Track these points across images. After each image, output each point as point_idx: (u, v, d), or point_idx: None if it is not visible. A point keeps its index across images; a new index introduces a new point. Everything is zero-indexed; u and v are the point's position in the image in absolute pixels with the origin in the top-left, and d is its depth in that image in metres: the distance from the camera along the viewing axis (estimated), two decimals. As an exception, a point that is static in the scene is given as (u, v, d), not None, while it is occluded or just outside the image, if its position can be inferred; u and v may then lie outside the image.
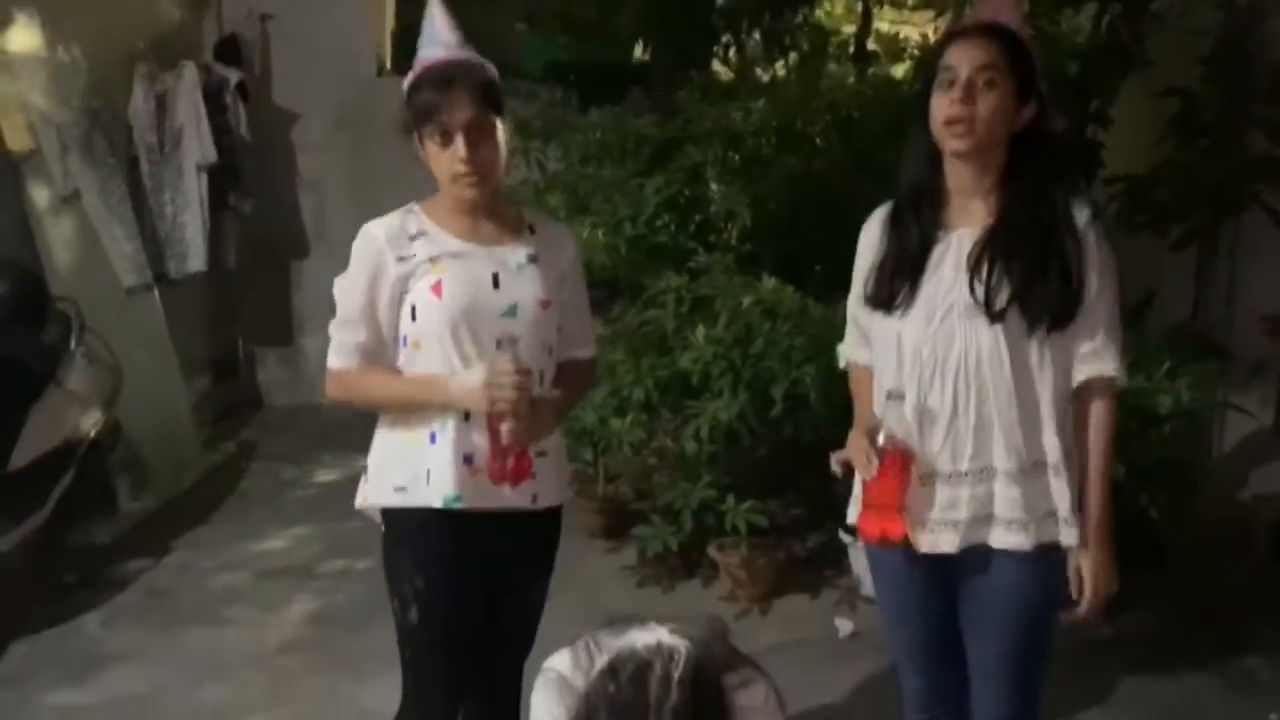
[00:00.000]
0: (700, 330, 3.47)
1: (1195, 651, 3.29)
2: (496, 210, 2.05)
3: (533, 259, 2.03)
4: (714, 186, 3.90)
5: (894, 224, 1.93)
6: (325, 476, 4.88)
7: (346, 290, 2.01)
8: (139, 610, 3.72)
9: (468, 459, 1.96)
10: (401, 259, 1.97)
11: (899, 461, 1.81)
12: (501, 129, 1.97)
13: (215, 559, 4.12)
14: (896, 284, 1.87)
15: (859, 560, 3.69)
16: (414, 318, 1.97)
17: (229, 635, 3.54)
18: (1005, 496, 1.81)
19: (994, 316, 1.79)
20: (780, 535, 3.97)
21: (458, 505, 1.95)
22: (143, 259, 4.86)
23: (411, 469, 1.98)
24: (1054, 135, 1.97)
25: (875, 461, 1.80)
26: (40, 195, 4.42)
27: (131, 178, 5.00)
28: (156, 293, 4.93)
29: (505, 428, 1.91)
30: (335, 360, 2.02)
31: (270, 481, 5.01)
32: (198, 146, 5.14)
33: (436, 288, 1.95)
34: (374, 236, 1.99)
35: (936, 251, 1.85)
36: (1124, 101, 3.55)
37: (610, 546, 4.09)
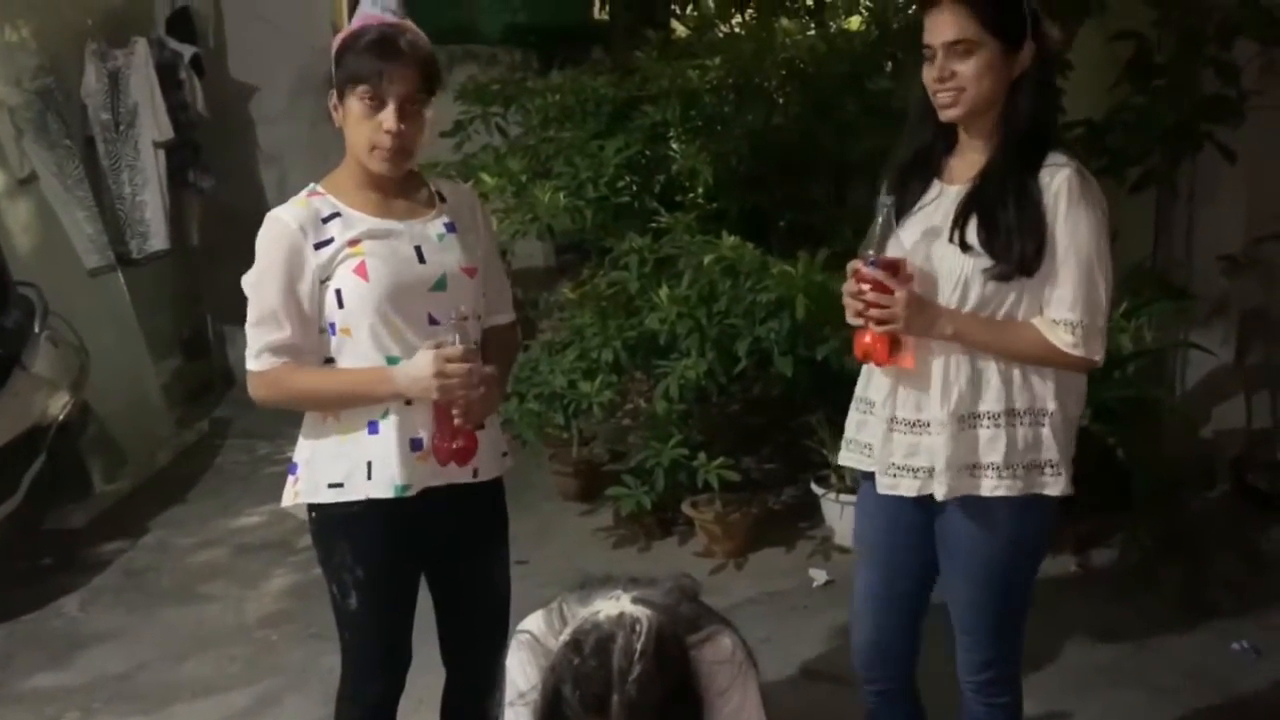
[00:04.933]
0: (664, 290, 3.48)
1: (1160, 585, 3.37)
2: (408, 184, 1.99)
3: (450, 227, 1.99)
4: (674, 146, 3.89)
5: (900, 178, 1.94)
6: (299, 451, 4.89)
7: (259, 285, 1.90)
8: (118, 590, 3.72)
9: (415, 444, 1.92)
10: (319, 245, 1.89)
11: (889, 269, 1.81)
12: (430, 110, 1.91)
13: (192, 537, 4.13)
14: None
15: (832, 510, 3.75)
16: (340, 304, 1.90)
17: (209, 611, 3.55)
18: (991, 444, 1.84)
19: (963, 265, 1.82)
20: (753, 490, 4.02)
21: (407, 494, 1.91)
22: (104, 240, 4.81)
23: (348, 463, 1.92)
24: (1054, 60, 1.96)
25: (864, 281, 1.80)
26: (-4, 179, 4.36)
27: (88, 158, 4.93)
28: (120, 273, 4.89)
29: (457, 411, 1.87)
30: (257, 363, 1.90)
31: (245, 458, 5.01)
32: (154, 124, 5.06)
33: (361, 270, 1.88)
34: (285, 224, 1.89)
35: (934, 203, 1.88)
36: (1080, 47, 3.56)
37: (586, 509, 4.13)
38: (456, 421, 1.89)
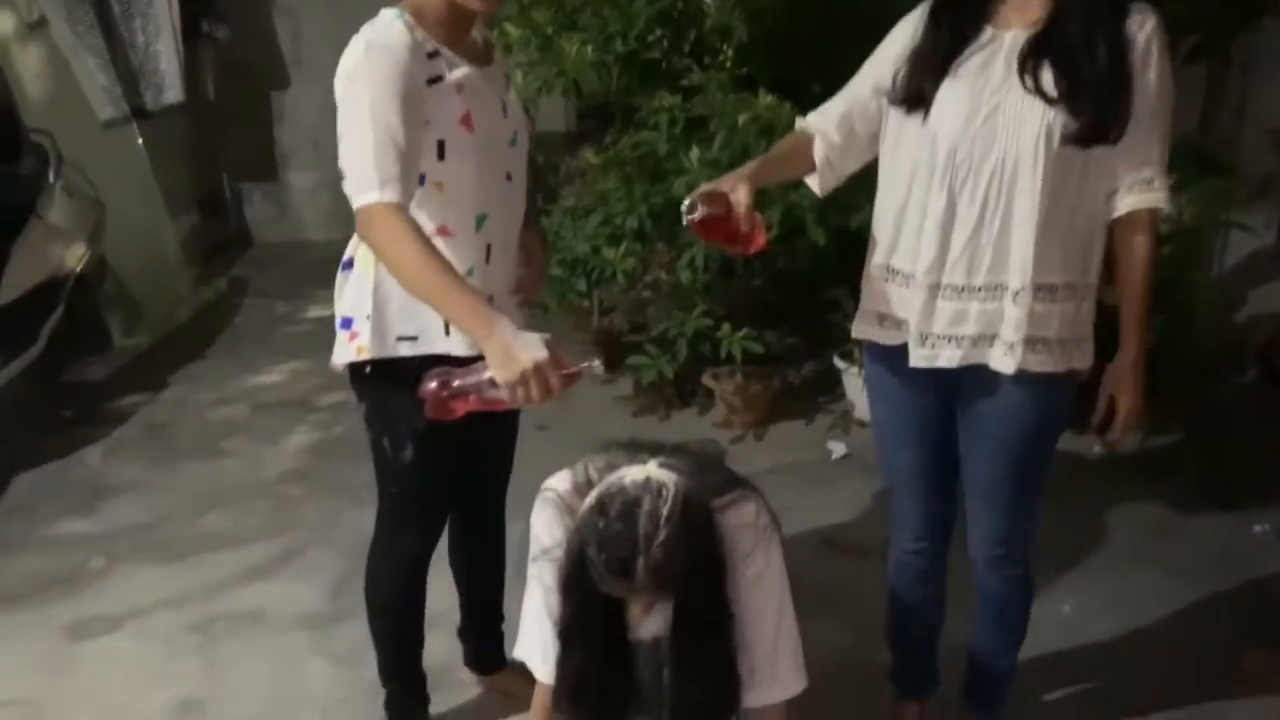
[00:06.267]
0: (695, 152, 3.36)
1: (1183, 470, 3.34)
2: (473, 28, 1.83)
3: (508, 79, 1.90)
4: (708, 0, 3.70)
5: (934, 19, 1.79)
6: (317, 312, 4.88)
7: (373, 111, 1.64)
8: (139, 443, 3.75)
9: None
10: (431, 81, 1.69)
11: (711, 226, 1.77)
12: None
13: (212, 393, 4.14)
14: (926, 81, 1.75)
15: (853, 385, 3.71)
16: (441, 155, 1.74)
17: (229, 466, 3.58)
18: (1014, 317, 1.76)
19: (1041, 119, 1.67)
20: (774, 364, 3.98)
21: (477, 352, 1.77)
22: (118, 91, 4.70)
23: (424, 317, 1.82)
24: None
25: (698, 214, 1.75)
26: (4, 22, 4.23)
27: (100, 5, 4.77)
28: (135, 126, 4.79)
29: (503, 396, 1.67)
30: (379, 193, 1.64)
31: (263, 317, 5.01)
32: (165, -31, 4.90)
33: (467, 120, 1.74)
34: (396, 51, 1.66)
35: (988, 50, 1.72)
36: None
37: (606, 379, 4.11)
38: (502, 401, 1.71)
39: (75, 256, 3.85)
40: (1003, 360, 1.78)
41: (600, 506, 1.60)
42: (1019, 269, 1.73)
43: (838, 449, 3.57)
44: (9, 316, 3.52)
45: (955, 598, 2.16)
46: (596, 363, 1.72)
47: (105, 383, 4.15)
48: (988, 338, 1.79)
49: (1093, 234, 1.76)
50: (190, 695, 2.44)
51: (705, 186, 1.78)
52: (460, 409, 1.69)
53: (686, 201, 1.76)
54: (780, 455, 3.56)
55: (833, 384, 3.93)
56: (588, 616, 1.69)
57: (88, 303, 4.03)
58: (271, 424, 3.87)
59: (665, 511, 1.56)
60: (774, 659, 1.79)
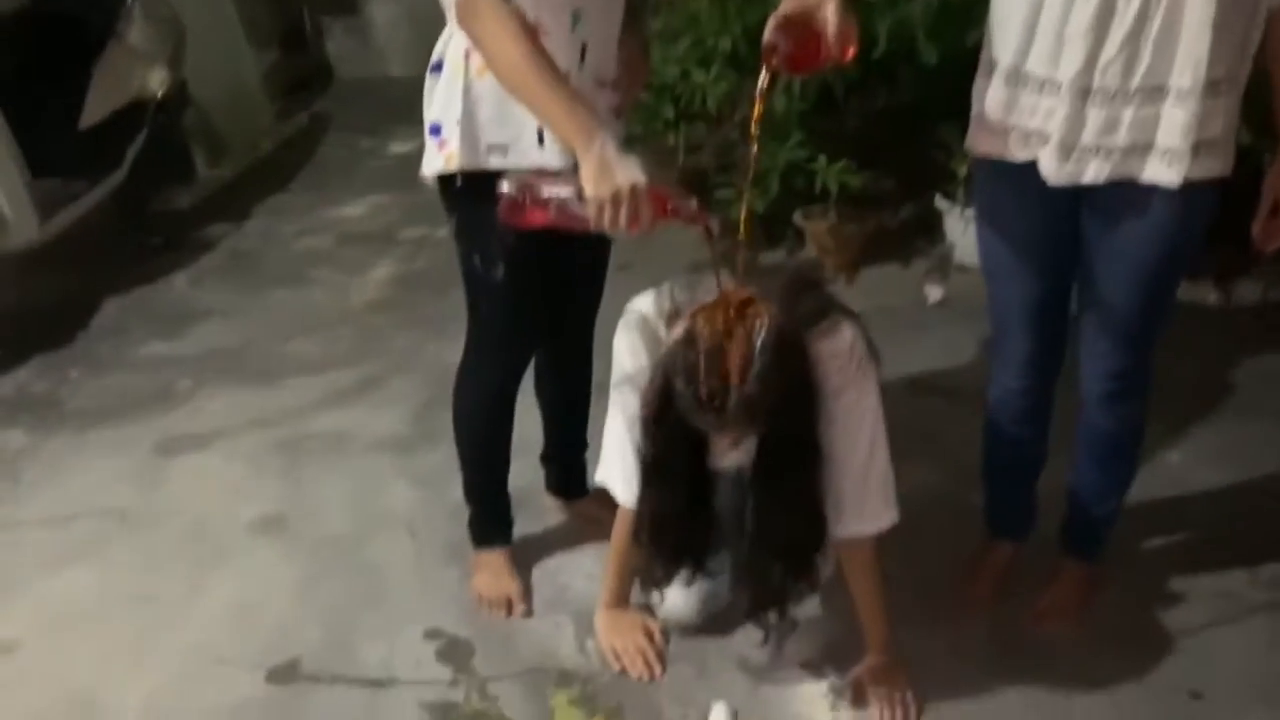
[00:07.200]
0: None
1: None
2: None
3: None
4: None
5: None
6: (400, 148, 4.81)
7: None
8: (225, 271, 3.77)
9: None
10: None
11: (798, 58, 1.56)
12: None
13: (296, 224, 4.13)
14: None
15: (955, 226, 3.53)
16: None
17: (314, 295, 3.57)
18: (1172, 121, 1.57)
19: None
20: (870, 205, 3.80)
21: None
22: (196, -86, 4.55)
23: (515, 125, 1.72)
24: None
25: None
26: None
27: None
28: (213, -46, 4.66)
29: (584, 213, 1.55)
30: None
31: (346, 152, 4.96)
32: None
33: None
34: None
35: None
36: None
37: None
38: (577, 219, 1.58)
39: (157, 80, 3.79)
40: (1163, 171, 1.61)
41: (689, 338, 1.51)
42: (1188, 66, 1.54)
43: (934, 293, 3.42)
44: (93, 140, 3.51)
45: (1055, 438, 2.05)
46: (713, 221, 1.61)
47: (191, 212, 4.16)
48: (1141, 147, 1.61)
49: (1257, 10, 1.56)
50: (275, 511, 2.47)
51: (784, 7, 1.54)
52: (538, 219, 1.58)
53: (767, 35, 1.53)
54: (873, 299, 3.41)
55: (931, 227, 3.75)
56: (672, 452, 1.64)
57: (171, 130, 4.00)
58: (355, 255, 3.84)
59: (759, 343, 1.47)
60: (863, 491, 1.72)
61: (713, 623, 2.02)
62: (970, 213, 3.34)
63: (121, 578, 2.26)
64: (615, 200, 1.49)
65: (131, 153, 3.65)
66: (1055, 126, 1.64)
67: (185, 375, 3.06)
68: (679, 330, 1.55)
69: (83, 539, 2.38)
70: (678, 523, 1.74)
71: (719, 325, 1.50)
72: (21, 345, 3.21)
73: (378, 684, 1.96)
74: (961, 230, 3.46)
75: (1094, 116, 1.61)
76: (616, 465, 1.80)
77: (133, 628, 2.12)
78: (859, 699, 1.88)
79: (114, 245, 3.83)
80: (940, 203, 3.58)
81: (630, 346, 1.72)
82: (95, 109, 3.48)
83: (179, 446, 2.73)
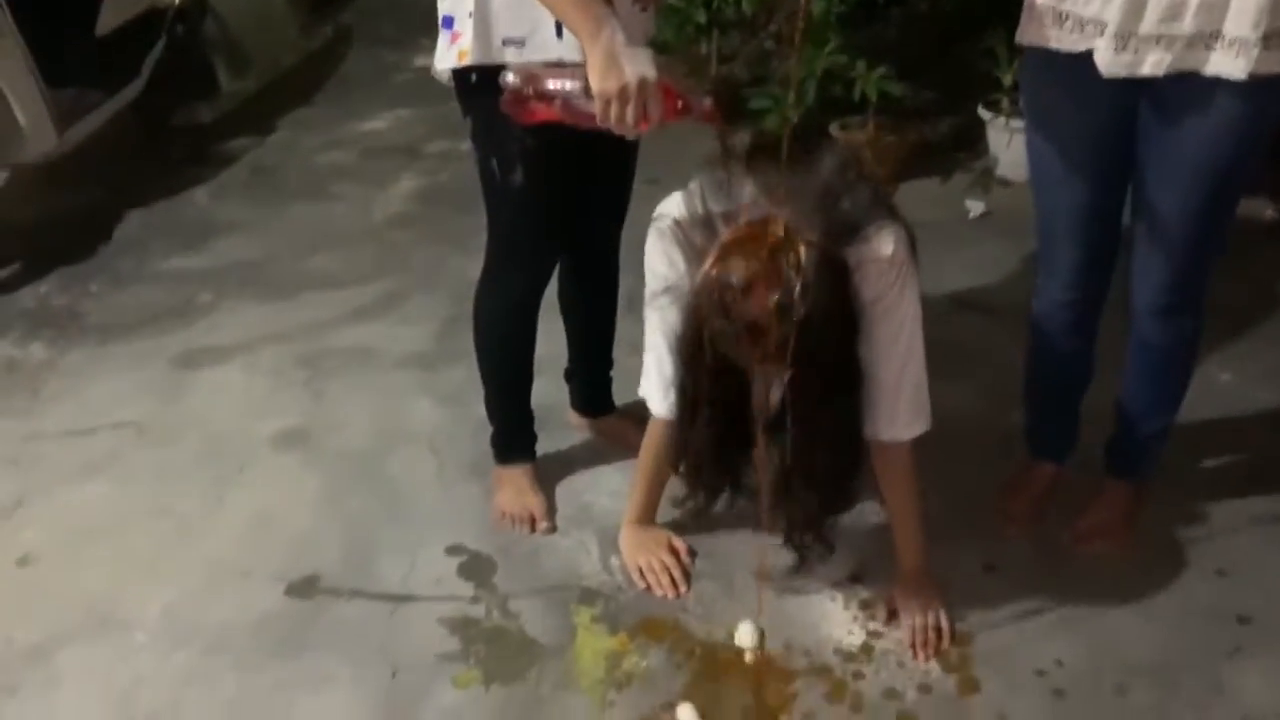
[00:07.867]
0: None
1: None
2: None
3: None
4: None
5: None
6: (424, 61, 4.62)
7: None
8: (246, 185, 3.70)
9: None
10: None
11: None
12: None
13: (319, 138, 4.05)
14: None
15: (998, 138, 3.39)
16: None
17: (336, 209, 3.50)
18: (1243, 7, 1.45)
19: None
20: (910, 117, 3.65)
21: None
22: None
23: (532, 17, 1.62)
24: None
25: None
26: None
27: None
28: None
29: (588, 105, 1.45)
30: None
31: (370, 65, 4.86)
32: None
33: None
34: None
35: None
36: None
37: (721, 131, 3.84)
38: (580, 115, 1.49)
39: (174, -12, 3.71)
40: (1231, 62, 1.48)
41: (725, 266, 1.41)
42: None
43: (976, 207, 3.29)
44: (110, 49, 3.44)
45: (1101, 355, 1.95)
46: (707, 100, 1.48)
47: (212, 126, 4.09)
48: (1206, 36, 1.49)
49: None
50: (296, 425, 2.42)
51: None
52: (540, 114, 1.48)
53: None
54: (913, 213, 3.17)
55: (974, 139, 3.60)
56: (709, 386, 1.56)
57: (191, 40, 3.92)
58: (378, 169, 3.77)
59: (799, 284, 1.38)
60: (896, 396, 1.65)
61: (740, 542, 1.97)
62: (1015, 124, 3.21)
63: (140, 491, 2.23)
64: (623, 95, 1.39)
65: (149, 62, 3.58)
66: (1112, 13, 1.52)
67: (206, 289, 3.01)
68: (713, 256, 1.46)
69: (102, 452, 2.35)
70: (715, 458, 1.69)
71: (756, 260, 1.40)
72: (43, 259, 3.17)
73: (398, 599, 1.92)
74: (1005, 143, 3.32)
75: (1155, 2, 1.49)
76: (656, 379, 1.74)
77: (151, 541, 2.09)
78: (890, 617, 1.83)
79: (135, 160, 3.76)
80: (983, 113, 3.44)
81: (665, 253, 1.62)
82: (111, 16, 3.39)
83: (199, 360, 2.69)
